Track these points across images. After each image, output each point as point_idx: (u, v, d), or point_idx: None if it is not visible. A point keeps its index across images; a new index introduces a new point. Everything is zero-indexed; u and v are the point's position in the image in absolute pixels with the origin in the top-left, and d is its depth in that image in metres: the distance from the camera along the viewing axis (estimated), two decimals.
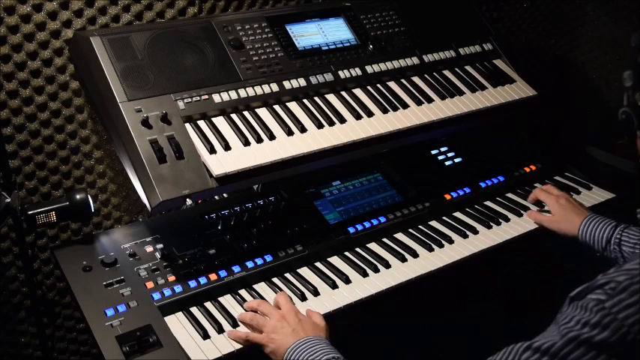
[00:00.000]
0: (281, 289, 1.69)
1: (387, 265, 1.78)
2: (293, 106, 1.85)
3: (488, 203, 2.09)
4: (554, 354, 1.06)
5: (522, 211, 2.04)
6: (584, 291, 1.08)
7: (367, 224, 1.90)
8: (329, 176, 2.04)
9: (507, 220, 2.00)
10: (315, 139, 1.77)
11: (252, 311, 1.58)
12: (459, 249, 1.86)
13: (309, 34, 1.99)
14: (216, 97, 1.76)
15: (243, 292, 1.68)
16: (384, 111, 1.92)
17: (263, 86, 1.83)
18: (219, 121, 1.75)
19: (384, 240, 1.90)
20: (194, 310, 1.61)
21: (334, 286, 1.70)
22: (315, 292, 1.67)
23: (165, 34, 1.78)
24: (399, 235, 1.92)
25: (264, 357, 1.50)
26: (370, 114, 1.90)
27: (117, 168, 2.02)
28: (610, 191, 2.17)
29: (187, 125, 1.70)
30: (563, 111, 3.02)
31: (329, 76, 1.94)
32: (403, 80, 2.05)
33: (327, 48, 1.99)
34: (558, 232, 1.91)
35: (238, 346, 1.51)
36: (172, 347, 1.48)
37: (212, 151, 1.66)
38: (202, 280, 1.65)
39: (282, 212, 1.91)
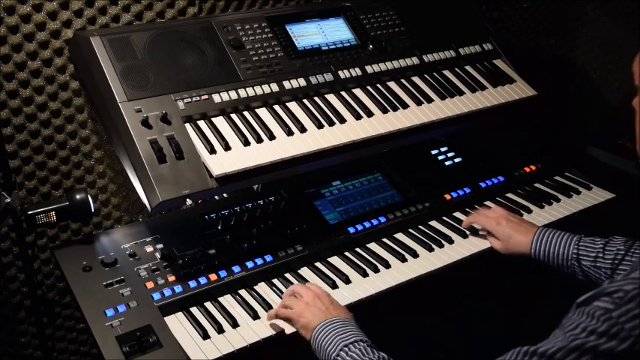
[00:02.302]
0: (281, 290, 1.69)
1: (387, 265, 1.78)
2: (293, 106, 1.85)
3: (488, 203, 2.09)
4: None
5: (522, 212, 2.04)
6: (592, 298, 1.07)
7: (367, 224, 1.90)
8: (329, 176, 2.04)
9: None
10: (315, 139, 1.77)
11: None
12: (459, 249, 1.86)
13: (309, 34, 1.99)
14: (216, 97, 1.76)
15: (243, 292, 1.68)
16: (384, 111, 1.92)
17: (263, 86, 1.83)
18: (219, 121, 1.75)
19: (384, 240, 1.90)
20: (194, 310, 1.61)
21: (334, 286, 1.70)
22: None
23: (165, 34, 1.78)
24: (399, 235, 1.92)
25: (265, 357, 1.51)
26: (370, 114, 1.90)
27: (117, 168, 2.02)
28: (610, 191, 2.17)
29: (187, 125, 1.70)
30: (563, 111, 3.02)
31: (329, 76, 1.94)
32: (403, 80, 2.05)
33: (327, 48, 1.99)
34: (508, 256, 1.80)
35: (239, 345, 1.51)
36: (172, 347, 1.47)
37: (212, 151, 1.65)
38: (202, 280, 1.65)
39: (282, 212, 1.91)
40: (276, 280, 1.73)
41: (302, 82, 1.89)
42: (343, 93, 1.94)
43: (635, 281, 1.04)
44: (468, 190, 2.10)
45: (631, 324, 1.01)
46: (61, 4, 1.78)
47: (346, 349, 1.37)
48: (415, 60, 2.10)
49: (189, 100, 1.72)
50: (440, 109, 1.99)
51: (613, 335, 1.01)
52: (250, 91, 1.81)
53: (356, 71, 1.98)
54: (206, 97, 1.75)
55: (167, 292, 1.61)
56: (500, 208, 1.92)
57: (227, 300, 1.66)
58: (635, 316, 1.01)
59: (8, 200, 1.68)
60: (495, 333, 2.25)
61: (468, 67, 2.19)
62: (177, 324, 1.56)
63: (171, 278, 1.65)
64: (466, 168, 2.21)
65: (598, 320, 1.03)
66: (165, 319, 1.55)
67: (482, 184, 2.14)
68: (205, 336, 1.52)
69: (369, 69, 2.01)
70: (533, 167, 2.26)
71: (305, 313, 1.50)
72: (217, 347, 1.50)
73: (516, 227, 1.80)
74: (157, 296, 1.59)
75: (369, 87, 1.99)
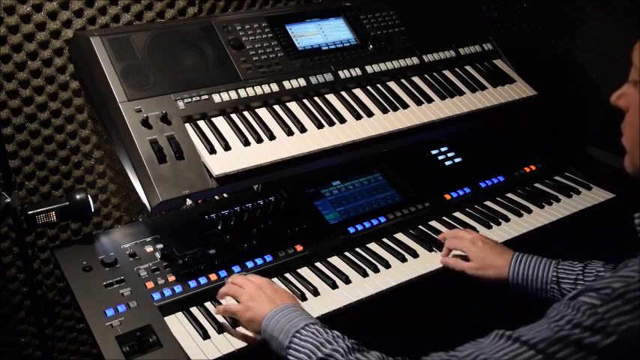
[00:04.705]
0: None
1: (387, 265, 1.78)
2: (293, 106, 1.85)
3: (488, 203, 2.09)
4: (542, 350, 1.07)
5: (522, 212, 2.04)
6: (579, 293, 1.09)
7: (367, 224, 1.90)
8: (329, 176, 2.04)
9: (507, 220, 2.00)
10: (315, 139, 1.77)
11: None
12: None
13: (309, 34, 1.99)
14: (216, 97, 1.76)
15: None
16: (384, 111, 1.92)
17: (263, 86, 1.83)
18: (219, 121, 1.75)
19: (384, 240, 1.90)
20: (194, 310, 1.61)
21: (334, 286, 1.70)
22: (315, 292, 1.67)
23: (165, 34, 1.78)
24: (399, 235, 1.92)
25: (266, 357, 1.50)
26: (370, 114, 1.90)
27: (117, 168, 2.02)
28: (610, 191, 2.17)
29: (187, 125, 1.70)
30: (563, 111, 3.02)
31: (329, 76, 1.94)
32: (403, 80, 2.05)
33: (327, 48, 1.99)
34: (483, 279, 1.70)
35: (239, 345, 1.51)
36: (172, 347, 1.47)
37: (212, 151, 1.66)
38: (202, 280, 1.65)
39: (282, 212, 1.91)
40: (276, 280, 1.73)
41: (302, 82, 1.89)
42: (343, 93, 1.94)
43: (623, 279, 1.05)
44: (468, 190, 2.10)
45: (616, 320, 1.02)
46: (61, 4, 1.78)
47: (298, 334, 1.36)
48: (415, 60, 2.10)
49: (189, 100, 1.72)
50: (440, 109, 1.99)
51: (598, 330, 1.02)
52: (250, 91, 1.81)
53: (356, 71, 1.98)
54: (206, 97, 1.75)
55: (167, 292, 1.61)
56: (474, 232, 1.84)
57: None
58: (621, 312, 1.02)
59: (8, 200, 1.68)
60: None
61: (468, 67, 2.19)
62: (177, 324, 1.56)
63: (171, 278, 1.65)
64: (466, 168, 2.21)
65: (584, 314, 1.04)
66: (166, 319, 1.55)
67: (482, 184, 2.14)
68: (205, 336, 1.52)
69: (369, 69, 2.01)
70: (533, 167, 2.26)
71: (250, 306, 1.48)
72: (217, 347, 1.50)
73: (493, 249, 1.72)
74: (156, 296, 1.59)
75: (369, 87, 1.99)
